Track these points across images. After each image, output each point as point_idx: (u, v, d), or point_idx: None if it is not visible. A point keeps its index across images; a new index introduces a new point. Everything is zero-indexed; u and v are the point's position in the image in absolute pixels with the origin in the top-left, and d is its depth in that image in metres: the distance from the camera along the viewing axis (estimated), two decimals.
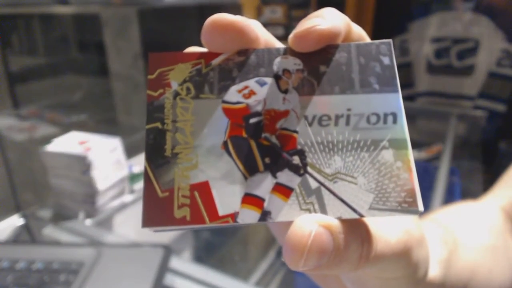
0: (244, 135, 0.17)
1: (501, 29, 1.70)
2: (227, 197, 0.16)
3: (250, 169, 0.16)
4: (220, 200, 0.16)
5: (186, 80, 0.17)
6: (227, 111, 0.17)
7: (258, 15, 1.96)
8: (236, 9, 1.78)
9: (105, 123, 1.68)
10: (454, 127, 1.44)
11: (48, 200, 0.90)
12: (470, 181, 1.31)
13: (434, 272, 0.25)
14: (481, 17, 1.73)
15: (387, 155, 0.16)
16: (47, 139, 0.87)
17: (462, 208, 0.40)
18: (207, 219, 0.15)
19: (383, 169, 0.16)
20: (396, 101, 0.17)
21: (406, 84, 1.89)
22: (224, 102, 0.17)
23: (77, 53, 1.79)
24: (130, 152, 0.96)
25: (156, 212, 0.16)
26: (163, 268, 0.63)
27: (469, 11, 1.75)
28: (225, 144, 0.16)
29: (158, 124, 0.17)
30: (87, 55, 1.79)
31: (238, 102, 0.17)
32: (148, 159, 0.16)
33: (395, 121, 0.16)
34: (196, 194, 0.16)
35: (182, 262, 0.69)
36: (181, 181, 0.16)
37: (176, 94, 0.17)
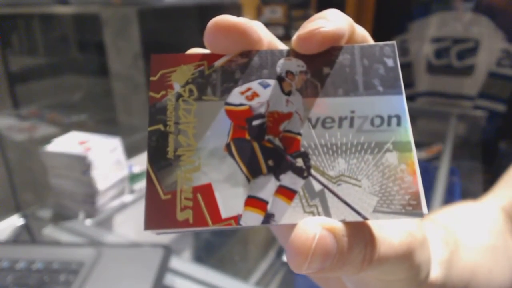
0: (247, 137, 0.16)
1: (501, 29, 1.70)
2: (230, 200, 0.16)
3: (253, 172, 0.16)
4: (223, 203, 0.16)
5: (188, 82, 0.17)
6: (230, 113, 0.17)
7: (258, 15, 1.96)
8: (236, 9, 1.78)
9: (105, 123, 1.68)
10: (454, 127, 1.44)
11: (48, 200, 0.90)
12: (470, 181, 1.31)
13: (435, 273, 0.25)
14: (481, 17, 1.73)
15: (391, 157, 0.16)
16: (47, 139, 0.87)
17: (462, 208, 0.40)
18: (210, 221, 0.15)
19: (387, 171, 0.16)
20: (400, 103, 0.17)
21: (406, 84, 1.89)
22: (227, 104, 0.17)
23: (77, 53, 1.78)
24: (130, 152, 0.96)
25: (159, 214, 0.15)
26: (163, 268, 0.63)
27: (469, 11, 1.75)
28: (228, 146, 0.16)
29: (161, 126, 0.17)
30: (87, 55, 1.79)
31: (241, 104, 0.17)
32: (151, 161, 0.16)
33: (399, 123, 0.16)
34: (199, 196, 0.16)
35: (182, 262, 0.69)
36: (183, 184, 0.16)
37: (179, 96, 0.17)
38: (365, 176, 0.16)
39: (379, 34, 1.82)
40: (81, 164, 0.81)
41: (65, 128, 1.02)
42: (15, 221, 0.90)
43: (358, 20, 1.66)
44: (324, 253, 0.14)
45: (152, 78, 0.17)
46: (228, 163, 0.16)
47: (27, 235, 0.89)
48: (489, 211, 0.39)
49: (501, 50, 1.72)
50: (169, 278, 0.65)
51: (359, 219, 0.15)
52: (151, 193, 0.16)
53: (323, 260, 0.14)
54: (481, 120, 1.57)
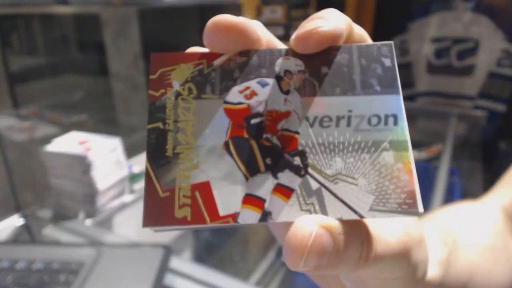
0: (246, 135, 0.17)
1: (501, 29, 1.70)
2: (228, 197, 0.16)
3: (251, 170, 0.16)
4: (221, 200, 0.16)
5: (188, 80, 0.17)
6: (228, 112, 0.17)
7: (258, 15, 1.96)
8: (236, 9, 1.78)
9: (105, 123, 1.68)
10: (454, 127, 1.44)
11: (48, 200, 0.90)
12: (470, 181, 1.31)
13: (433, 272, 0.25)
14: (481, 17, 1.73)
15: (388, 156, 0.16)
16: (47, 139, 0.87)
17: (462, 208, 0.40)
18: (207, 219, 0.15)
19: (383, 170, 0.16)
20: (397, 103, 0.17)
21: (406, 84, 1.89)
22: (225, 102, 0.17)
23: (77, 53, 1.79)
24: (130, 152, 0.96)
25: (157, 211, 0.16)
26: (163, 268, 0.63)
27: (469, 11, 1.75)
28: (226, 144, 0.16)
29: (160, 124, 0.17)
30: (87, 55, 1.79)
31: (239, 103, 0.17)
32: (150, 159, 0.16)
33: (396, 122, 0.16)
34: (197, 194, 0.16)
35: (182, 262, 0.69)
36: (182, 181, 0.16)
37: (178, 94, 0.17)
38: (362, 174, 0.16)
39: (379, 34, 1.82)
40: (81, 164, 0.81)
41: (65, 128, 1.02)
42: (15, 221, 0.90)
43: (358, 20, 1.66)
44: (320, 251, 0.14)
45: (151, 77, 0.17)
46: (226, 161, 0.16)
47: (27, 235, 0.89)
48: (489, 211, 0.40)
49: (501, 50, 1.72)
50: (169, 278, 0.65)
51: (356, 217, 0.15)
52: (149, 190, 0.16)
53: (319, 258, 0.14)
54: (481, 120, 1.57)
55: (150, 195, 0.16)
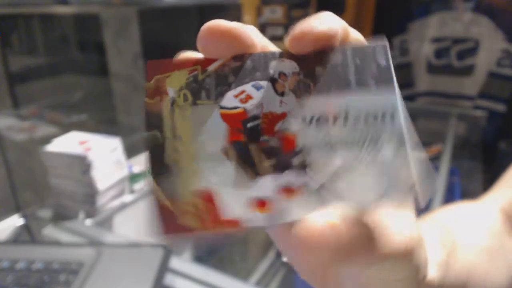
0: (244, 139, 0.17)
1: (501, 29, 1.70)
2: (230, 202, 0.16)
3: (251, 173, 0.16)
4: (223, 206, 0.16)
5: (183, 87, 0.17)
6: (225, 117, 0.17)
7: (258, 15, 1.96)
8: (236, 9, 1.78)
9: (105, 123, 1.68)
10: (454, 127, 1.44)
11: (48, 200, 0.90)
12: (470, 181, 1.31)
13: (432, 274, 0.25)
14: (481, 17, 1.73)
15: (386, 153, 0.16)
16: (47, 139, 0.87)
17: (462, 209, 0.40)
18: (211, 225, 0.16)
19: (383, 167, 0.16)
20: (393, 101, 0.17)
21: (406, 84, 1.89)
22: (221, 107, 0.17)
23: (77, 53, 1.79)
24: (130, 152, 0.96)
25: (160, 221, 0.16)
26: (163, 268, 0.63)
27: (469, 11, 1.75)
28: (225, 149, 0.16)
29: (157, 133, 0.17)
30: (87, 55, 1.79)
31: (235, 107, 0.17)
32: (149, 168, 0.16)
33: (392, 120, 0.16)
34: (199, 200, 0.16)
35: (182, 262, 0.70)
36: (183, 189, 0.16)
37: (174, 101, 0.17)
38: (362, 172, 0.16)
39: (379, 34, 1.82)
40: (81, 164, 0.81)
41: (65, 128, 1.02)
42: (15, 221, 0.90)
43: (358, 20, 1.66)
44: (324, 248, 0.14)
45: (147, 84, 0.17)
46: (226, 166, 0.16)
47: (27, 235, 0.89)
48: (488, 212, 0.40)
49: (501, 50, 1.72)
50: (169, 278, 0.65)
51: (358, 214, 0.15)
52: (151, 200, 0.16)
53: (323, 255, 0.14)
54: (481, 120, 1.57)
55: (152, 204, 0.16)
